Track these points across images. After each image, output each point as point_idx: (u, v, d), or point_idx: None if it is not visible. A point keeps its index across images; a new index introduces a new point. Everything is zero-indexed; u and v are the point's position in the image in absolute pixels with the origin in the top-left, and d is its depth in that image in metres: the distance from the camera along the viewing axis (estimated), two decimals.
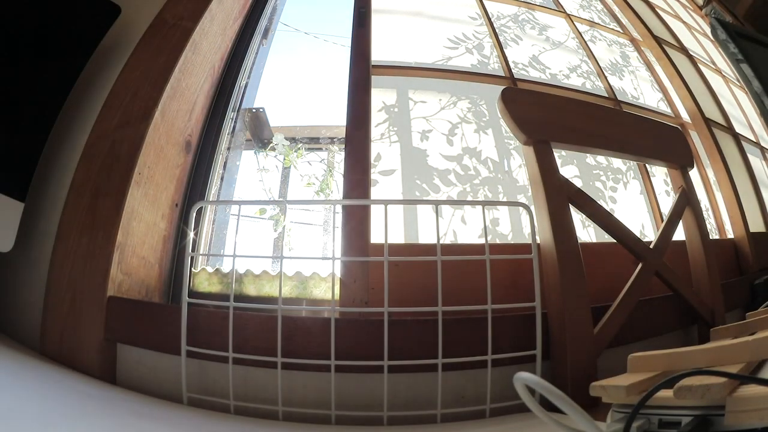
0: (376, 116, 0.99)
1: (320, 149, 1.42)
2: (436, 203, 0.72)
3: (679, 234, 0.85)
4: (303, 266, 0.92)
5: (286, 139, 1.39)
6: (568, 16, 1.43)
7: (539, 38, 1.32)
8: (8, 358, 0.64)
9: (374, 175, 0.91)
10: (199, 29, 0.93)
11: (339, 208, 0.94)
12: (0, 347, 0.67)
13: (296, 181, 1.37)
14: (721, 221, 1.24)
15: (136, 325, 0.70)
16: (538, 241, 0.70)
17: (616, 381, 0.45)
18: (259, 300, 0.89)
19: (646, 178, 1.16)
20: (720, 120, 1.38)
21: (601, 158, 1.12)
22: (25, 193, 0.77)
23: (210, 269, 0.92)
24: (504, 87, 0.80)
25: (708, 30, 1.68)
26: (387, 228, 0.63)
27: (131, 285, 0.77)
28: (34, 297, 0.74)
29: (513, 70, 1.14)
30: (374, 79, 0.98)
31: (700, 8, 1.84)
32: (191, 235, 0.73)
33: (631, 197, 1.11)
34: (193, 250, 0.89)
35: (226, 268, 0.91)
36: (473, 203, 0.93)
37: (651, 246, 0.79)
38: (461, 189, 0.95)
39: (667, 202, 1.12)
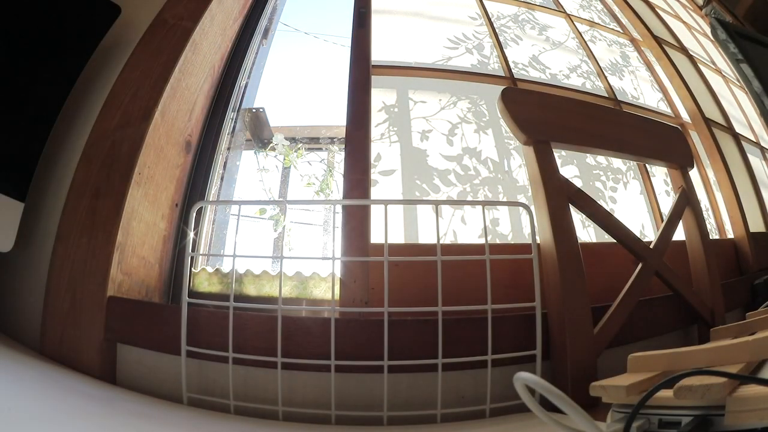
0: (376, 116, 0.99)
1: (320, 149, 1.42)
2: (436, 203, 0.72)
3: (679, 234, 0.85)
4: (303, 266, 0.92)
5: (286, 139, 1.39)
6: (568, 16, 1.43)
7: (539, 38, 1.32)
8: (8, 358, 0.64)
9: (374, 175, 0.91)
10: (199, 29, 0.93)
11: (339, 208, 0.94)
12: (0, 347, 0.67)
13: (296, 181, 1.37)
14: (721, 221, 1.24)
15: (136, 325, 0.70)
16: (538, 241, 0.70)
17: (616, 381, 0.45)
18: (259, 300, 0.89)
19: (646, 178, 1.16)
20: (720, 120, 1.38)
21: (601, 158, 1.12)
22: (25, 193, 0.77)
23: (210, 269, 0.92)
24: (504, 87, 0.80)
25: (708, 30, 1.68)
26: (387, 228, 0.63)
27: (131, 285, 0.77)
28: (34, 297, 0.74)
29: (513, 70, 1.14)
30: (374, 79, 0.98)
31: (700, 8, 1.84)
32: (191, 235, 0.73)
33: (631, 197, 1.11)
34: (193, 250, 0.89)
35: (226, 268, 0.91)
36: (473, 203, 0.93)
37: (651, 246, 0.79)
38: (461, 189, 0.95)
39: (667, 202, 1.12)
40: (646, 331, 0.77)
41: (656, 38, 1.46)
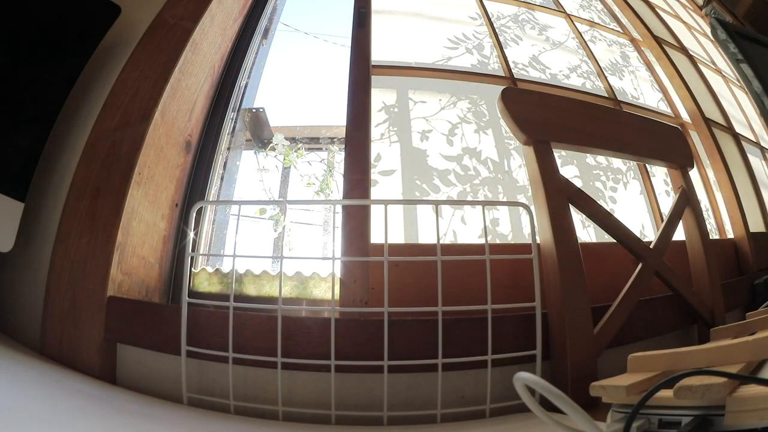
0: (376, 116, 0.99)
1: (320, 149, 1.42)
2: (436, 203, 0.72)
3: (679, 234, 0.85)
4: (303, 266, 0.92)
5: (286, 139, 1.39)
6: (568, 16, 1.43)
7: (539, 38, 1.32)
8: (8, 358, 0.64)
9: (374, 175, 0.91)
10: (199, 29, 0.93)
11: (339, 208, 0.94)
12: (0, 347, 0.67)
13: (296, 181, 1.37)
14: (721, 221, 1.24)
15: (136, 325, 0.70)
16: (538, 241, 0.70)
17: (616, 381, 0.45)
18: (259, 300, 0.89)
19: (646, 178, 1.16)
20: (720, 120, 1.38)
21: (601, 158, 1.12)
22: (25, 193, 0.77)
23: (210, 269, 0.92)
24: (504, 87, 0.80)
25: (708, 30, 1.68)
26: (387, 228, 0.63)
27: (131, 285, 0.77)
28: (34, 297, 0.74)
29: (513, 70, 1.14)
30: (374, 79, 0.98)
31: (700, 8, 1.84)
32: (191, 235, 0.73)
33: (631, 197, 1.11)
34: (193, 250, 0.89)
35: (226, 268, 0.91)
36: (473, 203, 0.93)
37: (651, 246, 0.79)
38: (461, 189, 0.95)
39: (667, 202, 1.12)
40: (646, 331, 0.77)
41: (656, 38, 1.46)
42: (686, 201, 0.87)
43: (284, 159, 1.37)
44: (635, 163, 1.14)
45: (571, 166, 1.07)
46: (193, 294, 0.88)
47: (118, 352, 0.71)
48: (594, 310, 0.68)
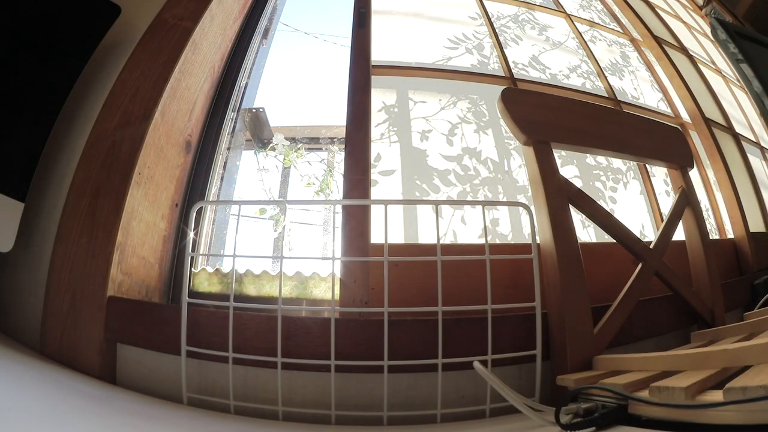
0: (376, 116, 0.99)
1: (320, 149, 1.42)
2: (436, 203, 0.72)
3: (679, 234, 0.85)
4: (303, 266, 0.92)
5: (286, 139, 1.39)
6: (568, 16, 1.43)
7: (539, 38, 1.32)
8: (8, 358, 0.64)
9: (374, 175, 0.91)
10: (199, 29, 0.93)
11: (339, 208, 0.94)
12: (0, 347, 0.67)
13: (296, 181, 1.37)
14: (721, 221, 1.24)
15: (136, 325, 0.70)
16: (538, 241, 0.70)
17: (574, 375, 0.58)
18: (259, 300, 0.89)
19: (646, 178, 1.16)
20: (720, 120, 1.38)
21: (601, 158, 1.12)
22: (25, 193, 0.77)
23: (210, 269, 0.92)
24: (504, 87, 0.80)
25: (708, 30, 1.69)
26: (387, 228, 0.63)
27: (131, 285, 0.77)
28: (34, 297, 0.74)
29: (513, 70, 1.14)
30: (374, 79, 0.98)
31: (700, 8, 1.84)
32: (191, 235, 0.73)
33: (631, 197, 1.11)
34: (193, 250, 0.89)
35: (226, 268, 0.91)
36: (473, 203, 0.93)
37: (651, 246, 0.79)
38: (461, 189, 0.95)
39: (667, 202, 1.12)
40: (646, 331, 0.77)
41: (656, 38, 1.46)
42: (686, 201, 0.87)
43: (284, 159, 1.38)
44: (635, 163, 1.14)
45: (571, 166, 1.07)
46: (193, 294, 0.88)
47: (118, 352, 0.71)
48: (594, 310, 0.68)
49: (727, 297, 0.85)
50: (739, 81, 1.58)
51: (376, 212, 0.80)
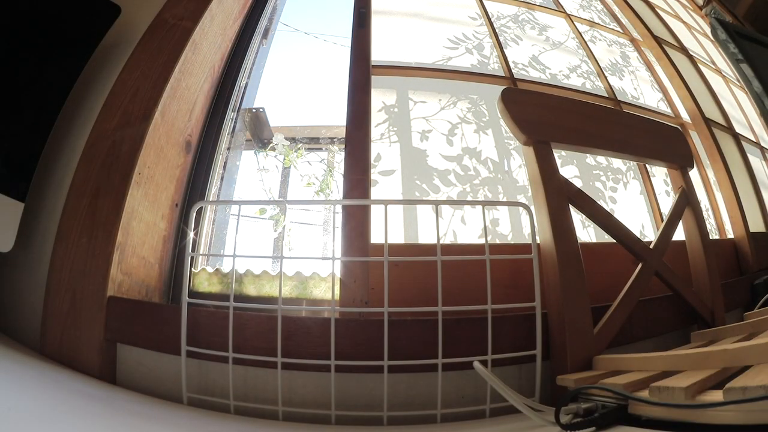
0: (376, 116, 0.99)
1: (320, 149, 1.42)
2: (436, 203, 0.72)
3: (679, 234, 0.85)
4: (303, 266, 0.92)
5: (286, 139, 1.39)
6: (568, 16, 1.43)
7: (539, 38, 1.32)
8: (8, 358, 0.64)
9: (374, 175, 0.92)
10: (199, 29, 0.93)
11: (339, 208, 0.94)
12: (0, 347, 0.67)
13: (296, 181, 1.37)
14: (721, 221, 1.24)
15: (136, 325, 0.70)
16: (538, 241, 0.70)
17: (574, 375, 0.58)
18: (259, 300, 0.89)
19: (646, 178, 1.16)
20: (720, 120, 1.38)
21: (601, 158, 1.12)
22: (25, 193, 0.77)
23: (210, 269, 0.92)
24: (504, 87, 0.80)
25: (708, 30, 1.69)
26: (387, 228, 0.63)
27: (131, 285, 0.77)
28: (34, 297, 0.74)
29: (513, 70, 1.14)
30: (374, 79, 0.98)
31: (700, 8, 1.84)
32: (191, 235, 0.73)
33: (631, 197, 1.11)
34: (193, 250, 0.89)
35: (226, 268, 0.91)
36: (473, 203, 0.93)
37: (651, 246, 0.79)
38: (461, 189, 0.95)
39: (667, 202, 1.12)
40: (646, 331, 0.77)
41: (656, 38, 1.46)
42: (686, 201, 0.87)
43: (284, 159, 1.38)
44: (635, 163, 1.14)
45: (571, 166, 1.07)
46: (193, 294, 0.88)
47: (118, 352, 0.71)
48: (594, 310, 0.68)
49: (727, 297, 0.85)
50: (739, 81, 1.58)
51: (376, 212, 0.80)
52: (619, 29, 1.53)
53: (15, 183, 0.76)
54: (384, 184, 0.92)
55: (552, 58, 1.26)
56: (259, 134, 1.40)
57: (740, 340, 0.61)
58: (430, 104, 1.05)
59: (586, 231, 0.98)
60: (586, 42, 1.36)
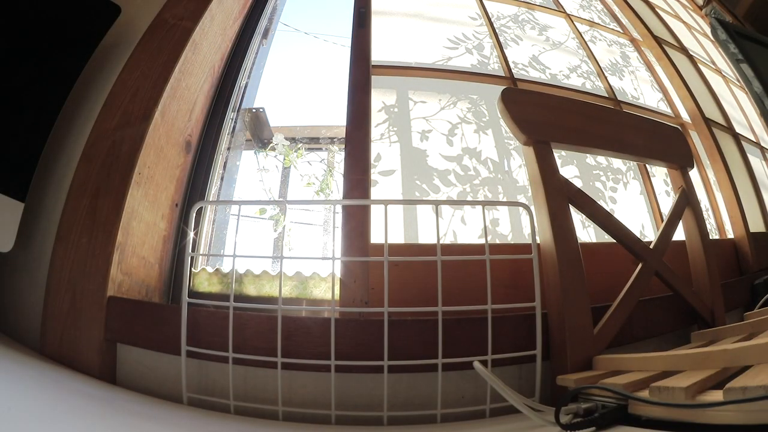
0: (376, 116, 0.99)
1: (320, 149, 1.42)
2: (436, 203, 0.72)
3: (679, 234, 0.85)
4: (303, 266, 0.92)
5: (286, 139, 1.39)
6: (568, 17, 1.43)
7: (539, 38, 1.32)
8: (8, 358, 0.64)
9: (374, 175, 0.92)
10: (199, 29, 0.93)
11: (339, 208, 0.94)
12: (0, 347, 0.67)
13: (296, 181, 1.37)
14: (721, 221, 1.24)
15: (136, 325, 0.70)
16: (538, 241, 0.70)
17: (574, 375, 0.58)
18: (259, 300, 0.89)
19: (646, 178, 1.16)
20: (720, 120, 1.38)
21: (601, 158, 1.12)
22: (25, 193, 0.77)
23: (210, 269, 0.92)
24: (504, 87, 0.80)
25: (708, 30, 1.69)
26: (387, 228, 0.63)
27: (131, 285, 0.77)
28: (34, 297, 0.74)
29: (513, 70, 1.14)
30: (374, 79, 0.98)
31: (700, 8, 1.84)
32: (191, 235, 0.73)
33: (631, 197, 1.11)
34: (193, 250, 0.89)
35: (226, 268, 0.91)
36: (473, 203, 0.93)
37: (651, 246, 0.79)
38: (461, 189, 0.95)
39: (667, 203, 1.12)
40: (646, 331, 0.77)
41: (656, 38, 1.46)
42: (686, 201, 0.87)
43: (284, 159, 1.38)
44: (635, 163, 1.14)
45: (571, 166, 1.07)
46: (193, 294, 0.88)
47: (118, 352, 0.71)
48: (594, 310, 0.68)
49: (727, 297, 0.85)
50: (739, 81, 1.58)
51: (376, 212, 0.80)
52: (619, 29, 1.53)
53: (15, 183, 0.76)
54: (384, 184, 0.92)
55: (552, 58, 1.26)
56: (259, 134, 1.40)
57: (740, 340, 0.61)
58: (430, 104, 1.05)
59: (586, 231, 0.98)
60: (586, 42, 1.36)
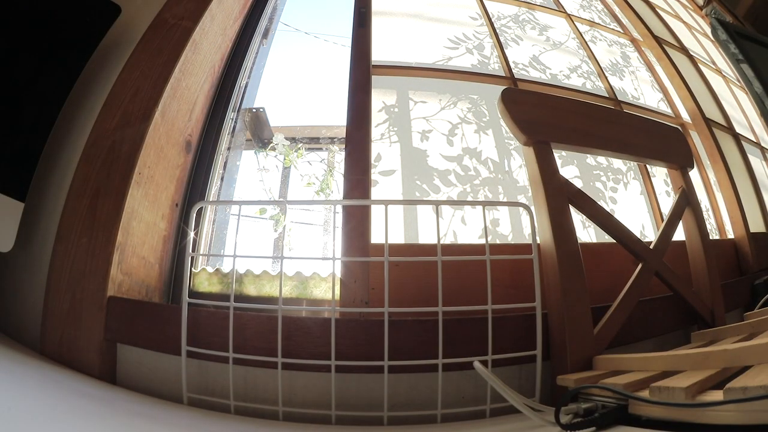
0: (376, 116, 0.99)
1: (320, 149, 1.42)
2: (436, 203, 0.72)
3: (679, 234, 0.85)
4: (303, 266, 0.92)
5: (286, 139, 1.39)
6: (569, 17, 1.43)
7: (540, 38, 1.32)
8: (8, 358, 0.64)
9: (374, 175, 0.91)
10: (200, 29, 0.93)
11: (339, 208, 0.94)
12: (0, 347, 0.67)
13: (296, 181, 1.37)
14: (721, 221, 1.24)
15: (136, 325, 0.70)
16: (538, 242, 0.70)
17: (574, 375, 0.58)
18: (259, 300, 0.89)
19: (647, 178, 1.16)
20: (720, 120, 1.38)
21: (601, 158, 1.12)
22: (25, 193, 0.77)
23: (210, 269, 0.92)
24: (504, 87, 0.80)
25: (708, 30, 1.69)
26: (387, 228, 0.63)
27: (131, 285, 0.77)
28: (34, 297, 0.74)
29: (513, 71, 1.14)
30: (374, 79, 0.98)
31: (700, 8, 1.84)
32: (191, 235, 0.73)
33: (631, 197, 1.11)
34: (193, 250, 0.89)
35: (226, 268, 0.91)
36: (473, 203, 0.93)
37: (651, 246, 0.79)
38: (461, 189, 0.95)
39: (667, 203, 1.12)
40: (646, 331, 0.77)
41: (656, 38, 1.46)
42: (686, 201, 0.87)
43: (284, 159, 1.38)
44: (635, 163, 1.14)
45: (571, 166, 1.07)
46: (193, 294, 0.88)
47: (118, 352, 0.71)
48: (594, 310, 0.68)
49: (727, 297, 0.85)
50: (739, 81, 1.58)
51: (376, 212, 0.80)
52: (619, 29, 1.53)
53: (15, 183, 0.76)
54: (384, 185, 0.92)
55: (552, 58, 1.26)
56: (259, 134, 1.40)
57: (740, 340, 0.61)
58: (431, 104, 1.05)
59: (586, 231, 0.98)
60: (586, 42, 1.36)
